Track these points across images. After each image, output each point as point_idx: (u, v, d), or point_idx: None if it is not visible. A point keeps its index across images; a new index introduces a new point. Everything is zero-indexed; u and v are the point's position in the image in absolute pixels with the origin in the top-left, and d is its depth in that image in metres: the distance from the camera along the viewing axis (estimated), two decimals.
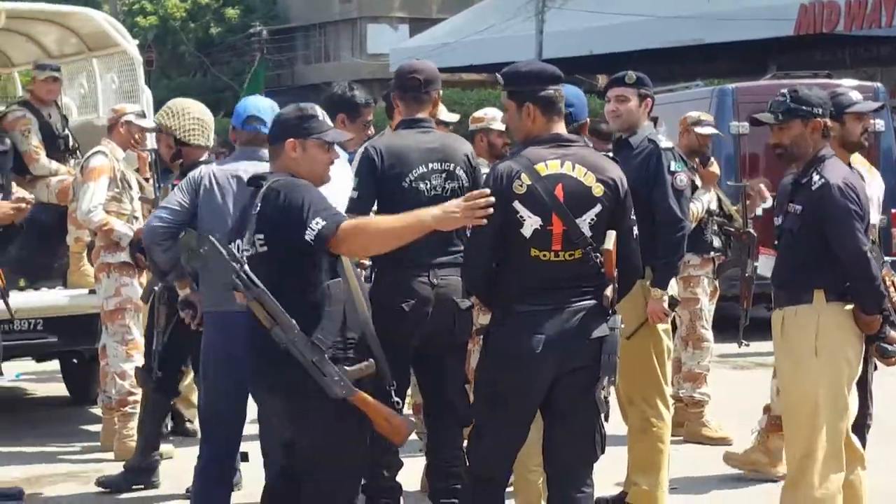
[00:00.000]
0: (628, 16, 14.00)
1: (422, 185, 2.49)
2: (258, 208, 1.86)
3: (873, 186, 2.98)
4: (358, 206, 2.35)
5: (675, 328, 3.75)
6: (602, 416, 2.05)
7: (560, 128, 2.08)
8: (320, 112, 2.05)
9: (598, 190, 1.99)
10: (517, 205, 1.95)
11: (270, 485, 2.21)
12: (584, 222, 1.98)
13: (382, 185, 2.47)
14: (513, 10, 15.93)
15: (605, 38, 14.49)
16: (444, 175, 2.55)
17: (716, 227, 4.10)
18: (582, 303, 2.01)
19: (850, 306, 2.35)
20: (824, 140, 2.40)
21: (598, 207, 1.99)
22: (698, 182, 3.87)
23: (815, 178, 2.35)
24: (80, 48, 4.96)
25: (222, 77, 23.10)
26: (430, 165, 2.52)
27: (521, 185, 1.95)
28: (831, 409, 2.37)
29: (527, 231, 1.95)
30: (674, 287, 3.02)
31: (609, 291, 1.99)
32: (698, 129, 4.05)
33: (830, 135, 2.41)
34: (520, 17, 16.04)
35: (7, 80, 6.43)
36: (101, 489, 3.30)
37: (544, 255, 1.99)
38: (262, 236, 1.86)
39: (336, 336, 1.80)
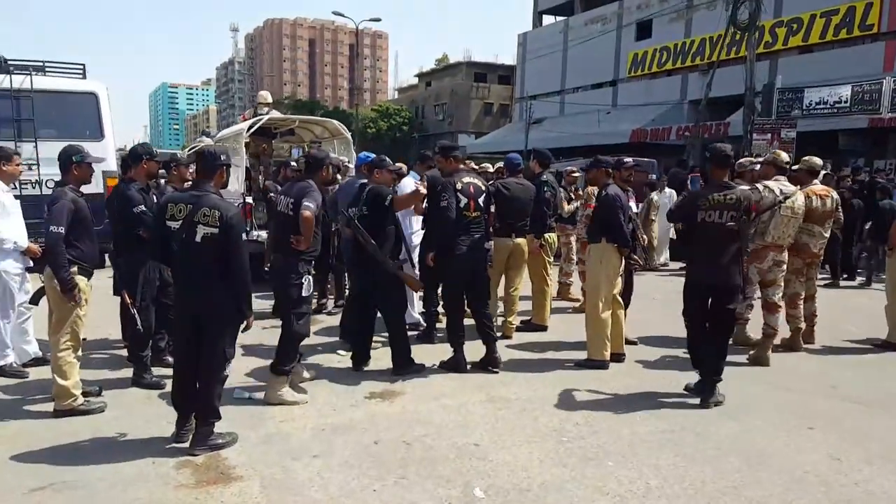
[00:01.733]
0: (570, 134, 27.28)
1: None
2: (365, 196, 5.13)
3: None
4: None
5: None
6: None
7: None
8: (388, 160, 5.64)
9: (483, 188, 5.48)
10: (459, 194, 5.23)
11: (356, 295, 5.60)
12: (480, 200, 5.38)
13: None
14: (517, 129, 33.10)
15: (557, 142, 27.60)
16: None
17: None
18: (479, 235, 5.33)
19: (614, 245, 5.56)
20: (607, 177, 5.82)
21: (484, 195, 5.48)
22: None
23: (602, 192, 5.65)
24: (326, 135, 10.70)
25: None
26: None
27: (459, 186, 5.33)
28: (608, 285, 5.62)
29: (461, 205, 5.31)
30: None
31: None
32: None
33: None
34: (520, 132, 29.27)
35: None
36: None
37: (466, 214, 5.27)
38: (365, 207, 5.11)
39: (390, 252, 5.16)
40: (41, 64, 10.06)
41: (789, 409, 4.79)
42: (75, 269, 4.20)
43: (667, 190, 12.17)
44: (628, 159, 6.46)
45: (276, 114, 10.78)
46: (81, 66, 10.51)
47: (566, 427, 4.33)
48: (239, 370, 5.36)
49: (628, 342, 6.17)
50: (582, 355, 5.79)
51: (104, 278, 5.18)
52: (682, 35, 29.90)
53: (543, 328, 6.99)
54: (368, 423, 4.30)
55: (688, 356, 5.10)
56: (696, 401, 4.79)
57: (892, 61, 22.29)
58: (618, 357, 5.81)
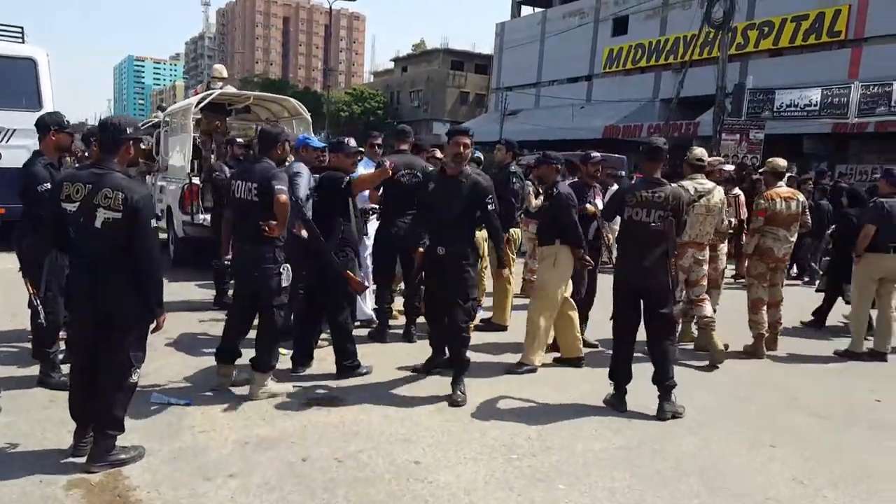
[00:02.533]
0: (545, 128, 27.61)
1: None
2: (319, 180, 4.84)
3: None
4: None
5: None
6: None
7: None
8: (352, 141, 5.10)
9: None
10: None
11: (304, 293, 4.91)
12: None
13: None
14: (492, 120, 33.56)
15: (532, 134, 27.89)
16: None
17: None
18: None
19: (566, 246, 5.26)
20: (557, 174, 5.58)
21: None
22: None
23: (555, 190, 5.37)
24: (285, 114, 10.15)
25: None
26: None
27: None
28: (557, 289, 5.33)
29: None
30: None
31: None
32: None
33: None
34: (495, 122, 29.64)
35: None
36: None
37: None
38: (316, 193, 4.72)
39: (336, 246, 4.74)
40: None
41: (750, 421, 4.54)
42: None
43: None
44: (596, 154, 6.18)
45: (230, 89, 10.20)
46: (20, 29, 9.81)
47: (517, 442, 3.97)
48: (164, 369, 4.91)
49: (587, 344, 5.89)
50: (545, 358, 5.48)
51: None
52: (658, 33, 29.87)
53: (503, 328, 6.64)
54: (299, 436, 3.88)
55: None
56: (654, 411, 4.49)
57: (857, 67, 22.55)
58: (576, 361, 5.55)
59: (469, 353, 5.49)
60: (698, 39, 19.64)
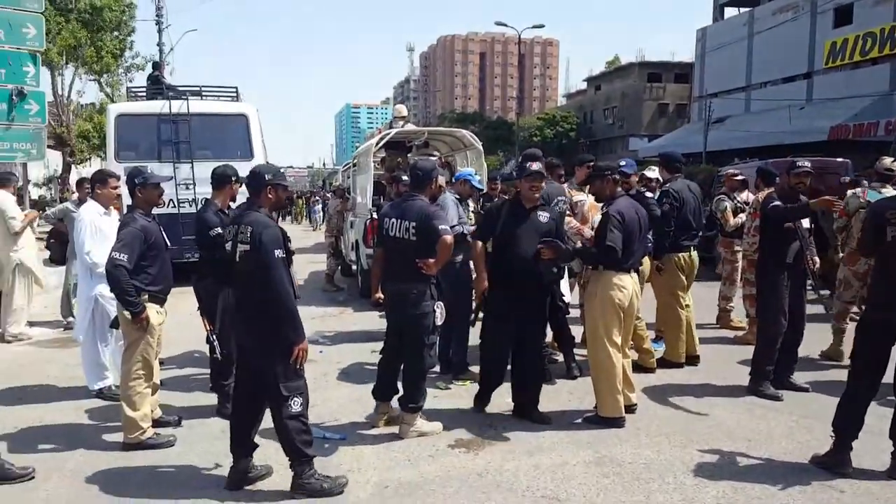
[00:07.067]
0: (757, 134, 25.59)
1: None
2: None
3: None
4: None
5: None
6: None
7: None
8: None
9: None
10: None
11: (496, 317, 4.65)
12: None
13: None
14: (695, 130, 31.94)
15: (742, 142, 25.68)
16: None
17: None
18: None
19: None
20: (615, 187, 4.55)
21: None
22: None
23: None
24: (459, 146, 10.31)
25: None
26: None
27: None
28: (612, 321, 4.41)
29: None
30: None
31: None
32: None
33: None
34: (698, 133, 29.44)
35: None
36: None
37: None
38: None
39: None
40: (198, 88, 10.75)
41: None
42: (146, 296, 4.05)
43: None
44: (804, 163, 5.14)
45: (410, 127, 10.57)
46: (234, 89, 11.10)
47: None
48: (330, 400, 5.07)
49: (796, 388, 5.14)
50: (736, 400, 4.85)
51: None
52: (891, 18, 25.74)
53: (678, 365, 5.91)
54: (439, 483, 3.66)
55: None
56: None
57: None
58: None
59: (641, 396, 4.95)
60: None
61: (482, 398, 4.83)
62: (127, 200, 4.64)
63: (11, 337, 7.18)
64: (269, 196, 3.48)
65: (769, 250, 5.11)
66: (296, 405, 3.42)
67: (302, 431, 3.45)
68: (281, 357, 3.39)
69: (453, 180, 6.47)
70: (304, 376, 3.52)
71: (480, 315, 4.82)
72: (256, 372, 3.45)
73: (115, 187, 4.88)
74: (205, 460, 3.95)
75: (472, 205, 6.75)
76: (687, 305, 6.00)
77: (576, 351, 5.75)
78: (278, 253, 3.30)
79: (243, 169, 5.07)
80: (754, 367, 5.18)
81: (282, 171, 3.67)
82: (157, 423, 4.29)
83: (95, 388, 5.14)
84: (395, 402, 4.53)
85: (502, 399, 4.83)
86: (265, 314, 3.34)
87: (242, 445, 3.56)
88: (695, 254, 6.00)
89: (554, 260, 4.44)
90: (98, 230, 4.80)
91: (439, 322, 4.26)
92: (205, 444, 4.21)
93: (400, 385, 4.43)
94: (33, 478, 3.68)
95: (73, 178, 21.15)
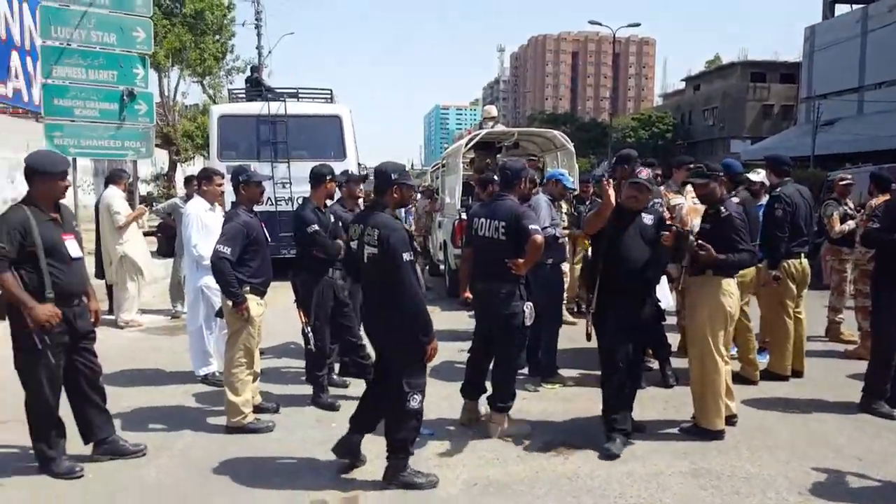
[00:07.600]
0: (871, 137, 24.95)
1: None
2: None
3: None
4: None
5: None
6: None
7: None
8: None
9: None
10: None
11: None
12: None
13: None
14: (802, 133, 31.38)
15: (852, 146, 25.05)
16: None
17: None
18: None
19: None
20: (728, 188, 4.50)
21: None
22: None
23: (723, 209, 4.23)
24: (550, 147, 10.20)
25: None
26: None
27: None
28: (719, 329, 4.21)
29: None
30: None
31: None
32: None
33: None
34: (805, 135, 27.98)
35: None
36: None
37: None
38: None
39: None
40: (295, 90, 11.15)
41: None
42: (247, 288, 4.23)
43: None
44: None
45: (499, 127, 10.54)
46: (329, 91, 11.44)
47: None
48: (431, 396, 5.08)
49: None
50: (846, 417, 4.58)
51: None
52: None
53: (783, 377, 5.59)
54: (528, 484, 3.62)
55: None
56: None
57: None
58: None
59: (745, 407, 4.71)
60: None
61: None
62: (230, 197, 4.87)
63: (123, 323, 7.69)
64: (395, 195, 3.54)
65: (886, 263, 4.75)
66: (414, 401, 3.48)
67: (414, 428, 3.52)
68: (407, 353, 3.47)
69: (544, 180, 6.38)
70: (427, 374, 3.59)
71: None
72: (385, 367, 3.60)
73: (220, 184, 5.14)
74: (302, 448, 4.09)
75: (564, 206, 6.66)
76: (798, 316, 5.69)
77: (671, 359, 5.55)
78: (406, 256, 3.33)
79: (337, 169, 5.26)
80: (868, 384, 4.82)
81: (406, 169, 3.69)
82: (257, 409, 4.49)
83: (200, 373, 5.43)
84: (482, 403, 4.52)
85: (594, 405, 4.72)
86: (394, 313, 3.41)
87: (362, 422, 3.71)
88: (805, 261, 5.66)
89: (675, 247, 4.23)
90: (204, 225, 5.06)
91: (528, 323, 4.21)
92: (301, 432, 4.37)
93: (488, 385, 4.42)
94: (145, 454, 3.93)
95: (179, 175, 22.49)
